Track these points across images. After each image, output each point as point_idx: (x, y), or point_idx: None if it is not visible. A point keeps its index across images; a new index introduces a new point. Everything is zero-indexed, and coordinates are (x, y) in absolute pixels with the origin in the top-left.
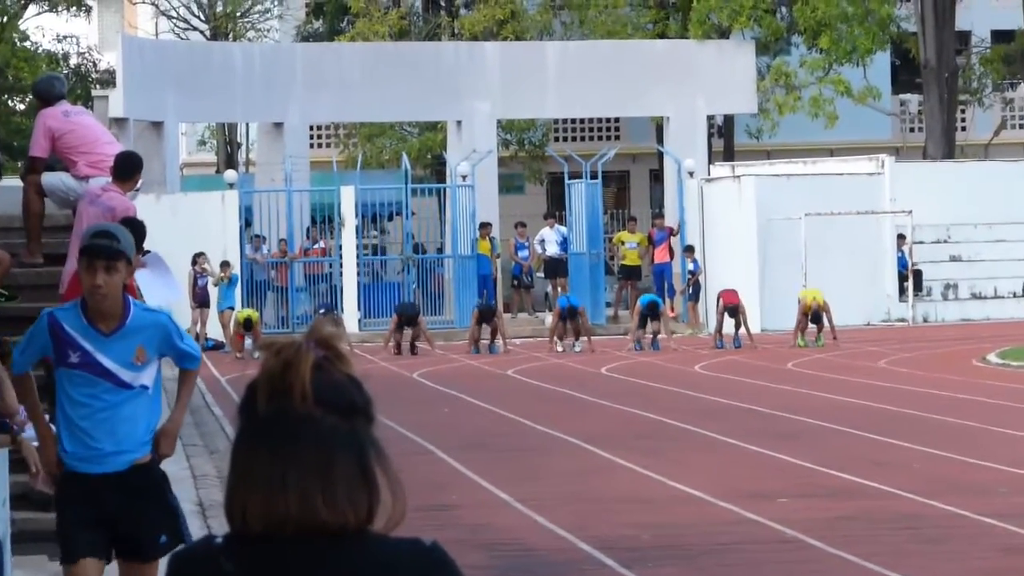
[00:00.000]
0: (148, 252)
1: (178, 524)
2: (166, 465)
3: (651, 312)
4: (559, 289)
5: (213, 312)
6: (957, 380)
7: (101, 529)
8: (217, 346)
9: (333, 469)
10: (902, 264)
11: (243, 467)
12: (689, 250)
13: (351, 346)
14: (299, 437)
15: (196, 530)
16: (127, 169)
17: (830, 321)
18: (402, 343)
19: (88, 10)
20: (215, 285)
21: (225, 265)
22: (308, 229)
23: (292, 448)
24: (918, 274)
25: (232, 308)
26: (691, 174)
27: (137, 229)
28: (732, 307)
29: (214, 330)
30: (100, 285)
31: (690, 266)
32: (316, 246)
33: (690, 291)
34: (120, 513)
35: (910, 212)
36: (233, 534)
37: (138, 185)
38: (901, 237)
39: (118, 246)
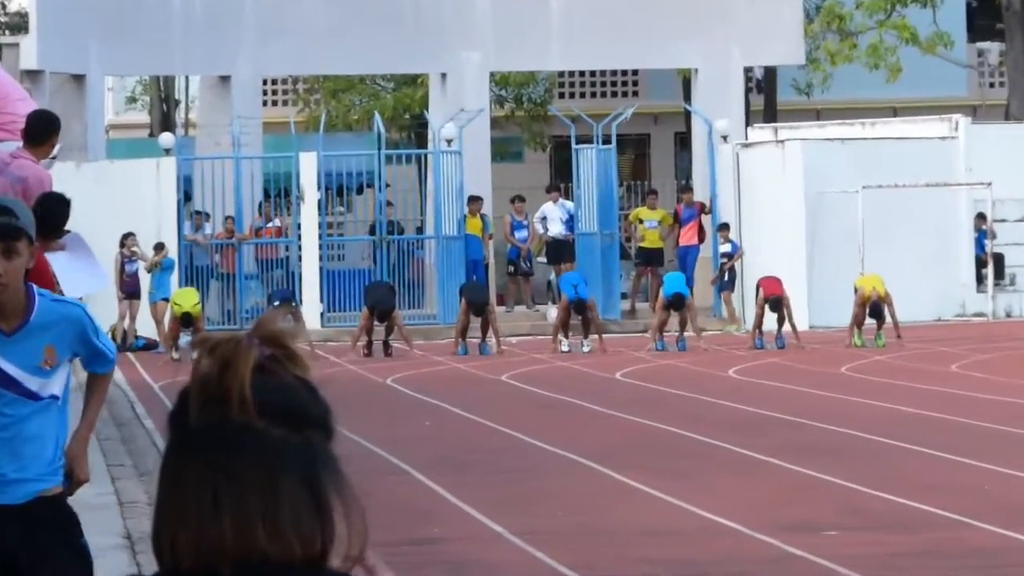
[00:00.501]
0: (68, 232)
1: (88, 572)
2: (84, 492)
3: (677, 304)
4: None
5: (145, 304)
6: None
7: None
8: (149, 345)
9: (277, 491)
10: (980, 247)
11: (171, 490)
12: (724, 228)
13: (311, 345)
14: (237, 452)
15: (123, 567)
16: (41, 131)
17: (893, 315)
18: (374, 341)
19: None
20: (148, 272)
21: (159, 248)
22: (261, 204)
23: (228, 466)
24: (999, 259)
25: (167, 299)
26: (725, 138)
27: (59, 206)
28: (775, 299)
29: (146, 326)
30: (3, 274)
31: (725, 247)
32: (270, 225)
33: (724, 278)
34: (19, 553)
35: (990, 184)
36: (163, 572)
37: (55, 151)
38: (981, 216)
39: (16, 223)
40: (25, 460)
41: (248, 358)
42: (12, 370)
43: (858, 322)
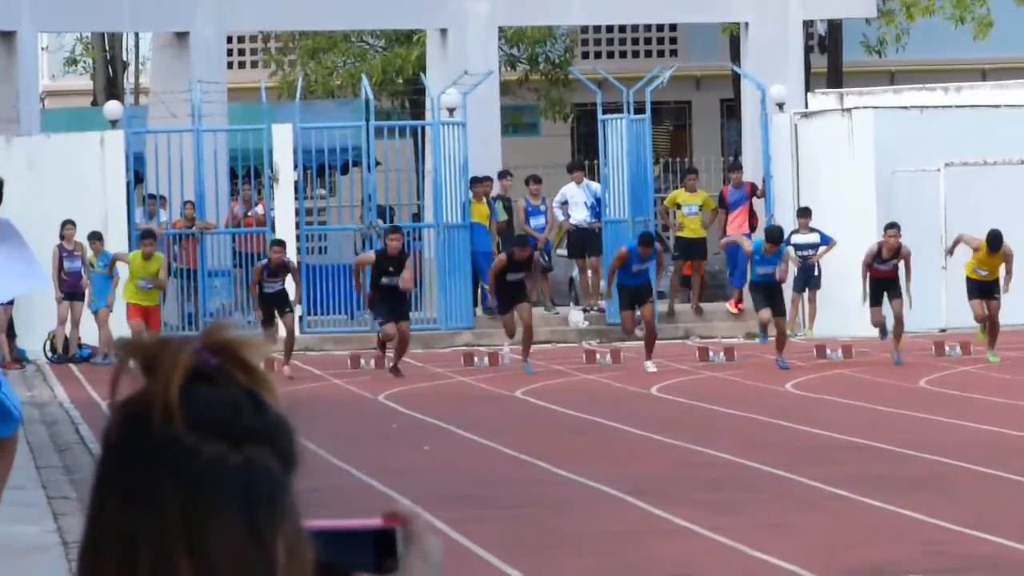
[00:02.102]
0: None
1: None
2: (26, 530)
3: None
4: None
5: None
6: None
7: None
8: (94, 354)
9: (207, 521)
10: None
11: (93, 523)
12: (804, 214)
13: (285, 360)
14: (158, 473)
15: None
16: None
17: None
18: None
19: None
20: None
21: (95, 238)
22: (240, 187)
23: (148, 490)
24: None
25: (108, 306)
26: (780, 106)
27: None
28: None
29: (90, 333)
30: None
31: (809, 237)
32: (253, 212)
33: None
34: None
35: None
36: None
37: None
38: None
39: None
40: None
41: (178, 362)
42: None
43: (979, 314)
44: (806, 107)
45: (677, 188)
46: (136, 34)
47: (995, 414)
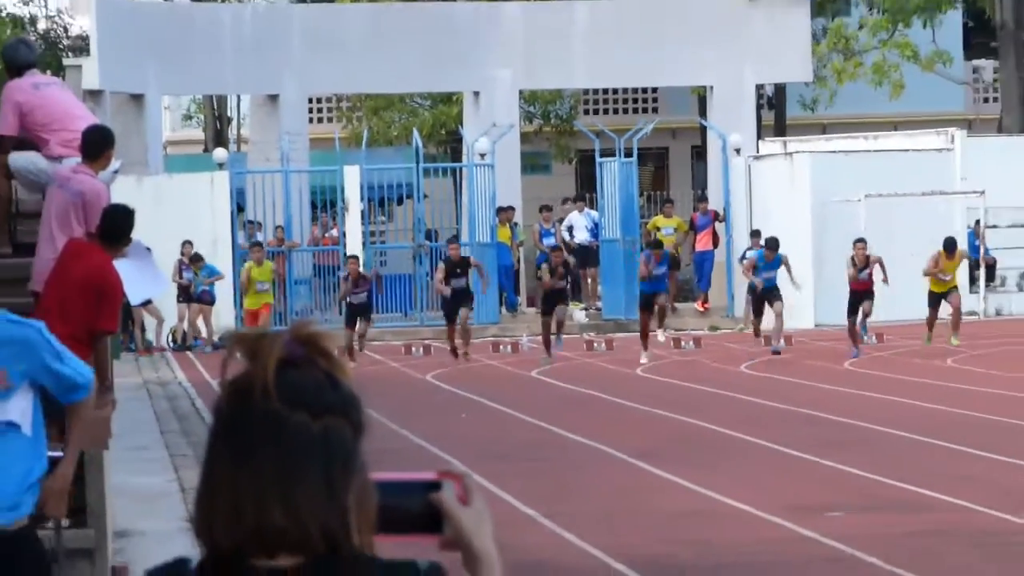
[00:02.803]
0: (134, 243)
1: None
2: (151, 480)
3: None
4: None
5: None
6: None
7: None
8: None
9: (293, 474)
10: (974, 251)
11: (207, 476)
12: (756, 235)
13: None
14: (258, 438)
15: (186, 549)
16: (96, 146)
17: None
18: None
19: None
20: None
21: (196, 260)
22: (319, 215)
23: (252, 451)
24: (992, 263)
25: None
26: (738, 151)
27: (124, 217)
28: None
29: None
30: None
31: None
32: (328, 234)
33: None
34: None
35: (983, 193)
36: (206, 558)
37: (116, 165)
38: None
39: None
40: None
41: (273, 351)
42: None
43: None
44: (757, 152)
45: (657, 215)
46: (238, 96)
47: (899, 389)
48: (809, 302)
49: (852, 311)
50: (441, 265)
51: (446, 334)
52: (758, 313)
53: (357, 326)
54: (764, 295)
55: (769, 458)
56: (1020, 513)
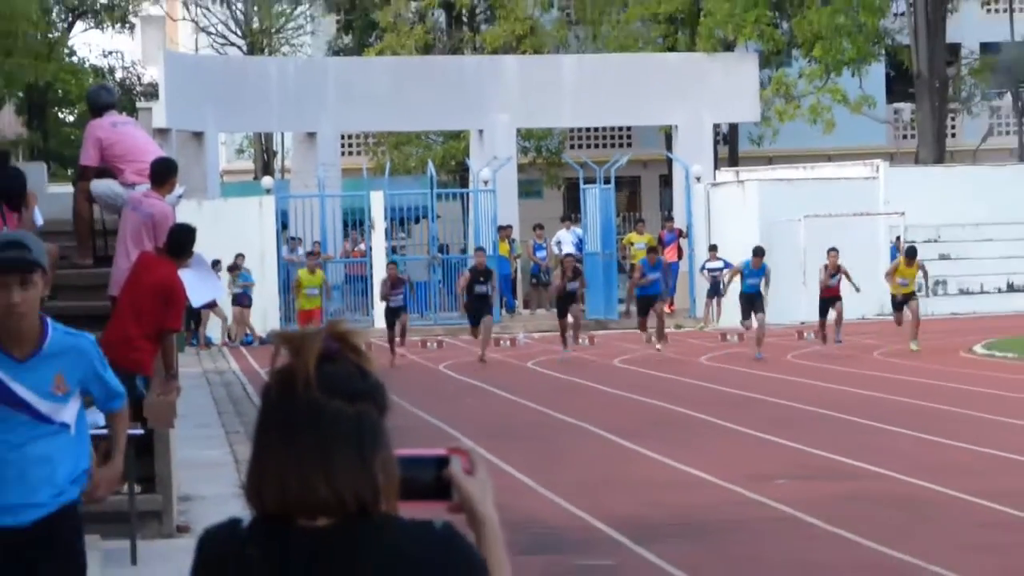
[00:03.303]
0: (195, 256)
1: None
2: (210, 452)
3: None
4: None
5: (264, 308)
6: (946, 370)
7: (8, 569)
8: (255, 341)
9: (332, 451)
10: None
11: (257, 451)
12: (713, 249)
13: (402, 343)
14: (302, 421)
15: (237, 512)
16: (162, 174)
17: (925, 278)
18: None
19: (132, 27)
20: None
21: (233, 268)
22: (350, 232)
23: (296, 431)
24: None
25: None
26: (698, 179)
27: (187, 234)
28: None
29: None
30: (17, 303)
31: (715, 264)
32: (358, 248)
33: (709, 288)
34: (26, 560)
35: (903, 214)
36: (256, 518)
37: (180, 191)
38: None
39: (31, 256)
40: (31, 483)
41: (313, 348)
42: (25, 393)
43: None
44: (714, 180)
45: (631, 232)
46: (282, 133)
47: (835, 377)
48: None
49: (823, 313)
50: (467, 272)
51: (470, 332)
52: (746, 316)
53: (396, 326)
54: (749, 303)
55: (726, 435)
56: (935, 481)
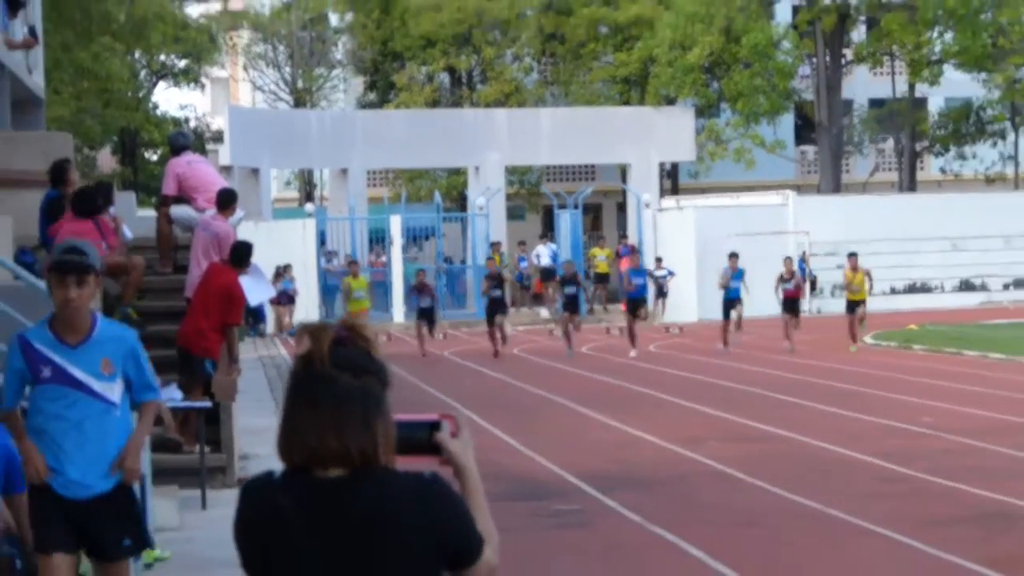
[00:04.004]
0: (251, 264)
1: (140, 529)
2: (258, 419)
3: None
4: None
5: (307, 306)
6: (843, 356)
7: (71, 527)
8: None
9: (342, 415)
10: (803, 272)
11: (286, 416)
12: (659, 261)
13: (390, 335)
14: (319, 391)
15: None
16: (225, 201)
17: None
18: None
19: (203, 86)
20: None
21: (276, 275)
22: (374, 247)
23: (315, 400)
24: (814, 278)
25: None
26: (647, 206)
27: (246, 248)
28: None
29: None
30: (72, 298)
31: (661, 272)
32: (380, 259)
33: (663, 291)
34: (87, 521)
35: (808, 232)
36: (286, 471)
37: (240, 214)
38: (733, 255)
39: (87, 260)
40: (90, 458)
41: (328, 335)
42: (79, 374)
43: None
44: (660, 206)
45: (595, 247)
46: (321, 169)
47: (754, 360)
48: (694, 303)
49: (785, 312)
50: (485, 280)
51: (488, 334)
52: (726, 316)
53: (424, 326)
54: (730, 304)
55: (668, 406)
56: (835, 443)
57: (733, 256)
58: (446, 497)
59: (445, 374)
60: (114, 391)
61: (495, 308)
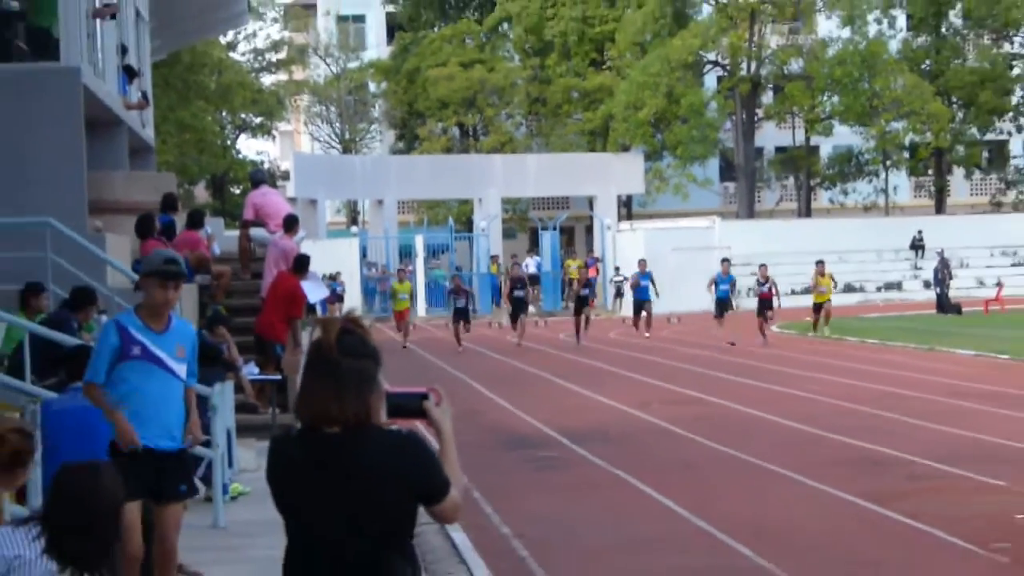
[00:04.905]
0: (310, 272)
1: (191, 478)
2: None
3: (726, 307)
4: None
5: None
6: (757, 340)
7: (140, 480)
8: None
9: (342, 388)
10: (723, 281)
11: (302, 387)
12: (617, 270)
13: (372, 324)
14: (326, 370)
15: None
16: (290, 224)
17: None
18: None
19: (274, 137)
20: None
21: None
22: (402, 259)
23: (323, 375)
24: (734, 282)
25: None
26: (609, 228)
27: (306, 259)
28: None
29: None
30: (171, 299)
31: (619, 277)
32: (407, 269)
33: (615, 291)
34: (156, 471)
35: (729, 248)
36: (300, 428)
37: (302, 235)
38: (724, 260)
39: (183, 271)
40: (164, 423)
41: (335, 326)
42: (161, 354)
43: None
44: (618, 228)
45: (568, 259)
46: (363, 200)
47: (688, 344)
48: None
49: (760, 312)
50: (507, 283)
51: (512, 328)
52: (719, 315)
53: (461, 323)
54: (721, 306)
55: (624, 380)
56: (759, 409)
57: (725, 261)
58: (418, 448)
59: (460, 356)
60: (182, 371)
61: (519, 307)
